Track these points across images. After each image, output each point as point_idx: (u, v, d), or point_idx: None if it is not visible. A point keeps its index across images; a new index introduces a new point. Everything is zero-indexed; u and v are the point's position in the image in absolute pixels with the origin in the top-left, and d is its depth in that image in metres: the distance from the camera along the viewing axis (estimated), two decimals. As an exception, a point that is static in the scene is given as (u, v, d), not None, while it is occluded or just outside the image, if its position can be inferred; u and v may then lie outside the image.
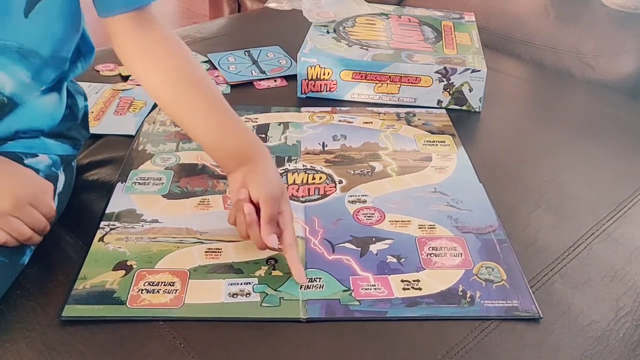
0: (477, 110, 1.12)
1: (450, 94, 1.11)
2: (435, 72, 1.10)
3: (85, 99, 0.90)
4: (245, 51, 1.30)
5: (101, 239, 0.76)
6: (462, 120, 1.09)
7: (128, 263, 0.72)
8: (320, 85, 1.13)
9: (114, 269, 0.72)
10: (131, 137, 0.99)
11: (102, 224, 0.78)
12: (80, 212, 0.83)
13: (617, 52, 1.30)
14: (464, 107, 1.12)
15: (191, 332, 0.65)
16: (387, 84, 1.12)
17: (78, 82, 0.91)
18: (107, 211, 0.81)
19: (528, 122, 1.13)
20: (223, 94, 1.13)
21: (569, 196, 0.90)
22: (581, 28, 1.36)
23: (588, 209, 0.87)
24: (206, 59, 1.26)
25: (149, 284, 0.70)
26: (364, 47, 1.16)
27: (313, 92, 1.14)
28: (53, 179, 0.77)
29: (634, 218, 0.86)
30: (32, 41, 0.71)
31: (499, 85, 1.21)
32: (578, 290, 0.73)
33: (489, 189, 0.89)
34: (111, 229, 0.78)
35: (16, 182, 0.71)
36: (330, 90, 1.13)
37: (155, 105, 1.08)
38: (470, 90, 1.11)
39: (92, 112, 1.05)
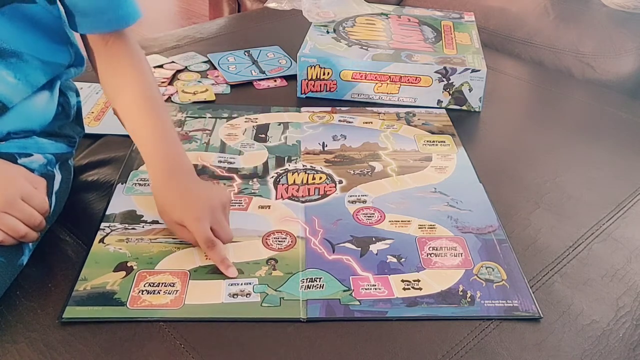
0: (477, 110, 1.12)
1: (450, 94, 1.11)
2: (435, 72, 1.10)
3: (78, 95, 0.90)
4: (245, 51, 1.30)
5: (101, 241, 0.76)
6: (462, 120, 1.09)
7: (128, 264, 0.72)
8: (320, 85, 1.13)
9: (115, 270, 0.72)
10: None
11: (103, 225, 0.78)
12: (79, 212, 0.83)
13: (617, 52, 1.30)
14: (464, 107, 1.12)
15: (192, 333, 0.65)
16: (387, 84, 1.12)
17: (77, 81, 0.91)
18: (107, 212, 0.81)
19: (528, 122, 1.13)
20: (223, 94, 1.15)
21: (569, 196, 0.90)
22: (581, 28, 1.36)
23: (588, 209, 0.87)
24: (206, 59, 1.27)
25: (150, 284, 0.70)
26: (363, 47, 1.16)
27: (313, 92, 1.14)
28: (49, 178, 0.77)
29: (634, 218, 0.86)
30: (5, 40, 0.72)
31: (499, 85, 1.21)
32: (578, 290, 0.73)
33: (488, 189, 0.89)
34: (112, 231, 0.77)
35: (6, 179, 0.71)
36: (330, 90, 1.13)
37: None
38: (470, 90, 1.11)
39: (93, 112, 1.05)
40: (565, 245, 0.80)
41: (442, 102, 1.12)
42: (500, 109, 1.15)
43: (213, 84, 1.17)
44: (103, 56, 0.81)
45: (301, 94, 1.14)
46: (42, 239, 0.77)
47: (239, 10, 1.99)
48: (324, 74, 1.12)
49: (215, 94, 1.14)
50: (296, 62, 1.14)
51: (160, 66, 1.23)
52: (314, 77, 1.12)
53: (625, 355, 0.67)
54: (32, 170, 0.75)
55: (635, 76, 1.29)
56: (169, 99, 1.11)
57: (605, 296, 0.73)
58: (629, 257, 0.79)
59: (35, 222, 0.71)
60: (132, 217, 0.80)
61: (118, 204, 0.82)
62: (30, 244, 0.73)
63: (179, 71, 1.22)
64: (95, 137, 0.99)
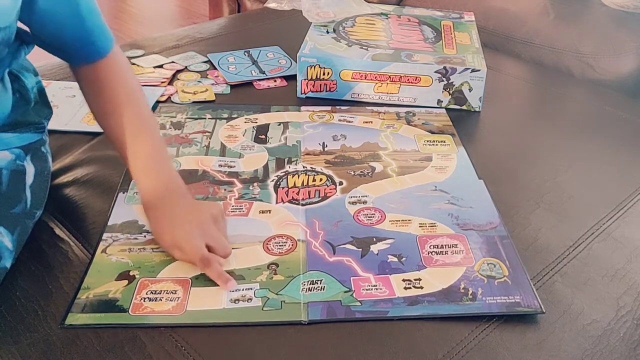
0: (476, 109, 1.12)
1: (450, 94, 1.11)
2: (435, 72, 1.10)
3: (36, 74, 0.86)
4: (245, 51, 1.30)
5: (104, 251, 0.76)
6: (462, 120, 1.09)
7: (131, 273, 0.72)
8: (320, 85, 1.13)
9: (117, 279, 0.71)
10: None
11: (105, 235, 0.78)
12: (79, 211, 0.83)
13: (617, 52, 1.30)
14: (464, 107, 1.12)
15: (193, 335, 0.65)
16: (387, 83, 1.12)
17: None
18: (109, 223, 0.80)
19: (528, 121, 1.13)
20: (223, 94, 1.14)
21: (569, 196, 0.90)
22: (581, 28, 1.36)
23: (588, 208, 0.87)
24: (206, 59, 1.27)
25: (152, 292, 0.70)
26: (363, 47, 1.16)
27: (313, 92, 1.14)
28: (20, 174, 0.76)
29: (634, 218, 0.86)
30: None
31: (499, 85, 1.21)
32: (578, 289, 0.73)
33: (489, 189, 0.89)
34: (114, 241, 0.77)
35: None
36: (330, 90, 1.13)
37: (154, 107, 1.08)
38: (470, 89, 1.11)
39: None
40: (566, 245, 0.80)
41: (442, 101, 1.12)
42: (500, 109, 1.15)
43: (213, 84, 1.17)
44: (90, 82, 0.79)
45: (301, 94, 1.14)
46: (40, 237, 0.77)
47: (239, 10, 1.99)
48: (324, 74, 1.12)
49: (215, 94, 1.14)
50: (296, 62, 1.14)
51: (160, 66, 1.23)
52: (314, 77, 1.13)
53: (625, 354, 0.67)
54: None
55: (635, 76, 1.29)
56: (168, 99, 1.11)
57: (605, 296, 0.73)
58: (629, 256, 0.79)
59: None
60: (134, 227, 0.79)
61: (120, 214, 0.82)
62: (11, 246, 0.71)
63: (179, 71, 1.22)
64: (95, 134, 0.98)
